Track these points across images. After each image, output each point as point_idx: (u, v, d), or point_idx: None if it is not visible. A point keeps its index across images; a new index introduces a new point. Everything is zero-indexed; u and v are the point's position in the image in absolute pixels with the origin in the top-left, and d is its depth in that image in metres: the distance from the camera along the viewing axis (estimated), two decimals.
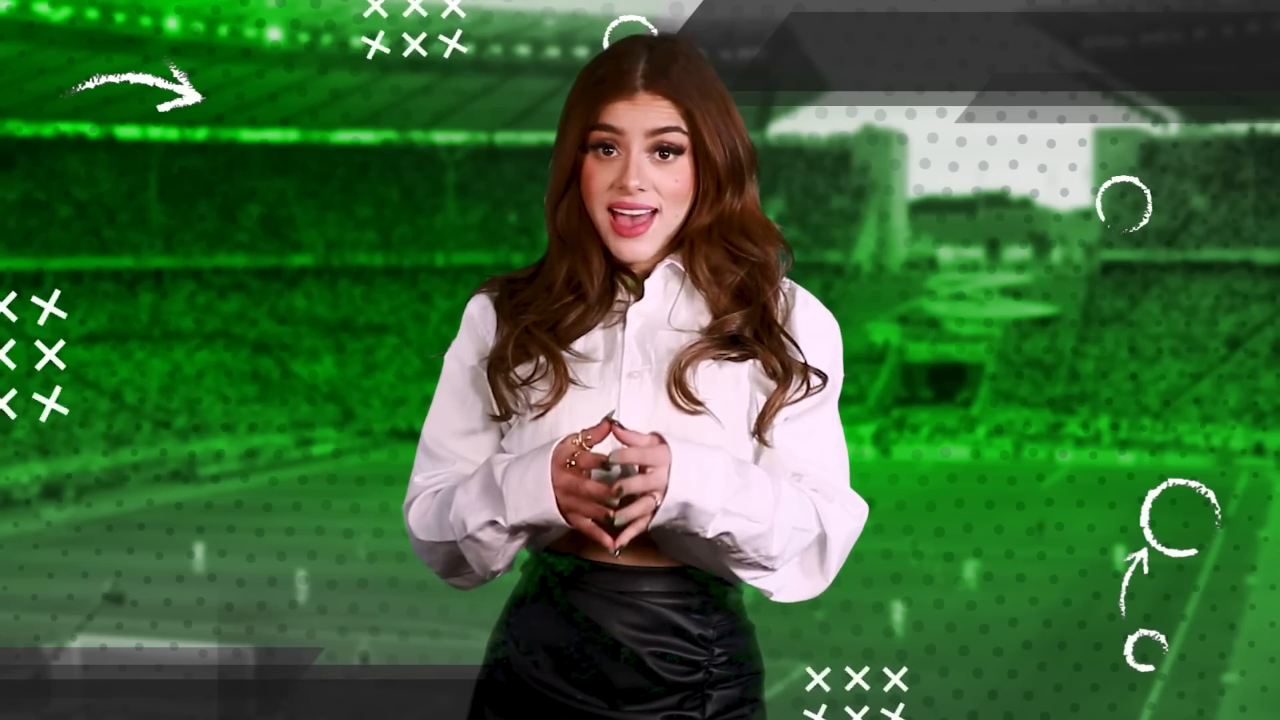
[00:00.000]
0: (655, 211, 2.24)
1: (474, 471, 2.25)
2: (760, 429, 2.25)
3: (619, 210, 2.23)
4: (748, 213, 2.29)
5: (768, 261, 2.29)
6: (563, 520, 2.12)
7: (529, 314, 2.28)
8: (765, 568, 2.21)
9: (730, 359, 2.24)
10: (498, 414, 2.30)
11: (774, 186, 63.96)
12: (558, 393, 2.24)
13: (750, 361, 2.25)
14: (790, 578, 2.27)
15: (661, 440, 2.11)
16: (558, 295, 2.28)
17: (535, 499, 2.13)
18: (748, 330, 2.25)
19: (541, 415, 2.25)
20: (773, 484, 2.19)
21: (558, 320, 2.27)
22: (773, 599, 2.30)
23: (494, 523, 2.18)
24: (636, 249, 2.24)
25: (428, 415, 2.41)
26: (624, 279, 2.30)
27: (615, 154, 2.23)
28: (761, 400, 2.26)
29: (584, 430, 2.12)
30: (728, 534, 2.14)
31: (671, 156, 2.23)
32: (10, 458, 43.11)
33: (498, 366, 2.28)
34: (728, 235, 2.28)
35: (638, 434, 2.11)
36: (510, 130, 66.03)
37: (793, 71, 60.12)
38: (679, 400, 2.21)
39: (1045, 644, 26.24)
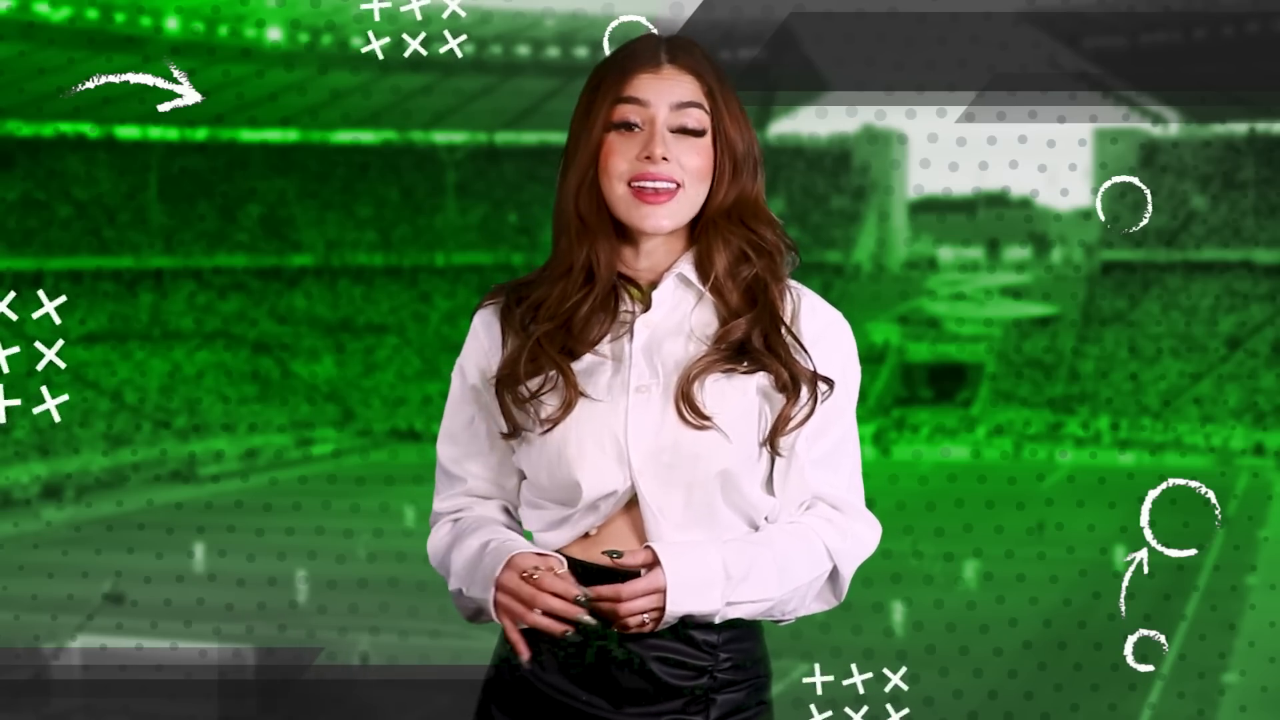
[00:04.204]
0: (679, 187, 2.23)
1: (482, 535, 2.31)
2: (772, 441, 2.25)
3: (641, 182, 2.22)
4: (761, 203, 2.31)
5: (778, 253, 2.29)
6: (493, 614, 2.22)
7: (540, 318, 2.27)
8: (779, 620, 2.30)
9: (739, 372, 2.23)
10: (505, 431, 2.30)
11: (774, 186, 63.93)
12: (567, 406, 2.23)
13: (759, 373, 2.24)
14: (803, 610, 2.33)
15: (655, 559, 2.16)
16: (575, 283, 2.26)
17: (484, 585, 2.22)
18: (755, 336, 2.24)
19: (550, 429, 2.24)
20: (776, 552, 2.23)
21: (570, 315, 2.26)
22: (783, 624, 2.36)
23: (459, 590, 2.29)
24: (659, 220, 2.23)
25: (440, 431, 2.42)
26: (629, 289, 2.29)
27: (638, 130, 2.23)
28: (769, 411, 2.25)
29: (548, 563, 2.18)
30: (736, 616, 2.23)
31: (693, 137, 2.24)
32: (10, 458, 43.10)
33: (507, 382, 2.27)
34: (746, 219, 2.28)
35: (634, 554, 2.17)
36: (510, 130, 66.01)
37: (793, 71, 60.11)
38: (686, 415, 2.20)
39: (1045, 644, 26.24)
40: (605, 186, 2.24)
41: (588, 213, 2.26)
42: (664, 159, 2.22)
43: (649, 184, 2.22)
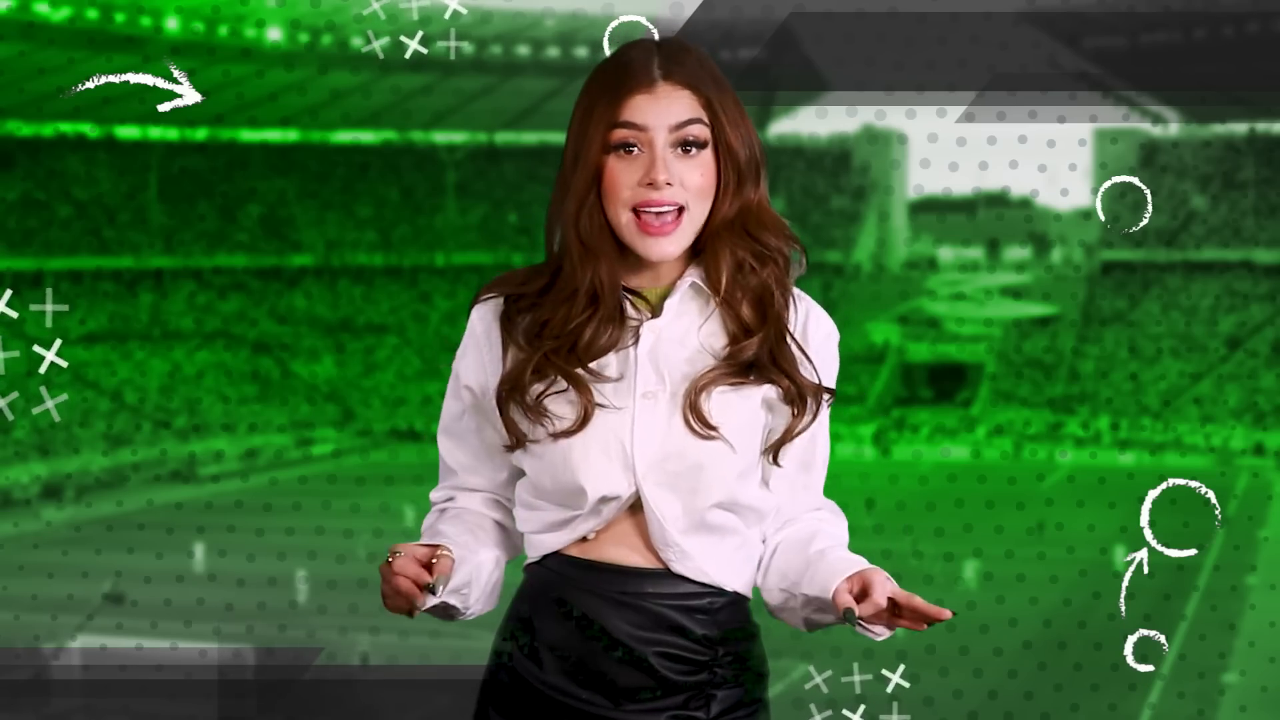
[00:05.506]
0: (682, 210, 2.21)
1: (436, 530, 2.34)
2: (776, 452, 2.28)
3: (645, 209, 2.20)
4: (765, 207, 2.28)
5: (784, 259, 2.29)
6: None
7: (546, 336, 2.24)
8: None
9: (746, 384, 2.24)
10: (508, 444, 2.29)
11: (774, 186, 63.93)
12: (583, 419, 2.21)
13: (766, 385, 2.25)
14: None
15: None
16: (581, 307, 2.24)
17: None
18: (765, 355, 2.25)
19: (567, 437, 2.23)
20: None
21: (576, 338, 2.23)
22: None
23: None
24: (665, 248, 2.21)
25: (439, 423, 2.41)
26: (633, 301, 2.27)
27: (637, 152, 2.20)
28: (770, 421, 2.27)
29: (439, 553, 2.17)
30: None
31: (695, 151, 2.21)
32: (10, 458, 43.11)
33: (511, 396, 2.25)
34: (750, 228, 2.26)
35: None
36: (510, 130, 66.00)
37: (793, 71, 60.10)
38: (694, 425, 2.20)
39: (1045, 644, 26.25)
40: (610, 211, 2.22)
41: (589, 236, 2.23)
42: (667, 184, 2.19)
43: (652, 210, 2.19)
